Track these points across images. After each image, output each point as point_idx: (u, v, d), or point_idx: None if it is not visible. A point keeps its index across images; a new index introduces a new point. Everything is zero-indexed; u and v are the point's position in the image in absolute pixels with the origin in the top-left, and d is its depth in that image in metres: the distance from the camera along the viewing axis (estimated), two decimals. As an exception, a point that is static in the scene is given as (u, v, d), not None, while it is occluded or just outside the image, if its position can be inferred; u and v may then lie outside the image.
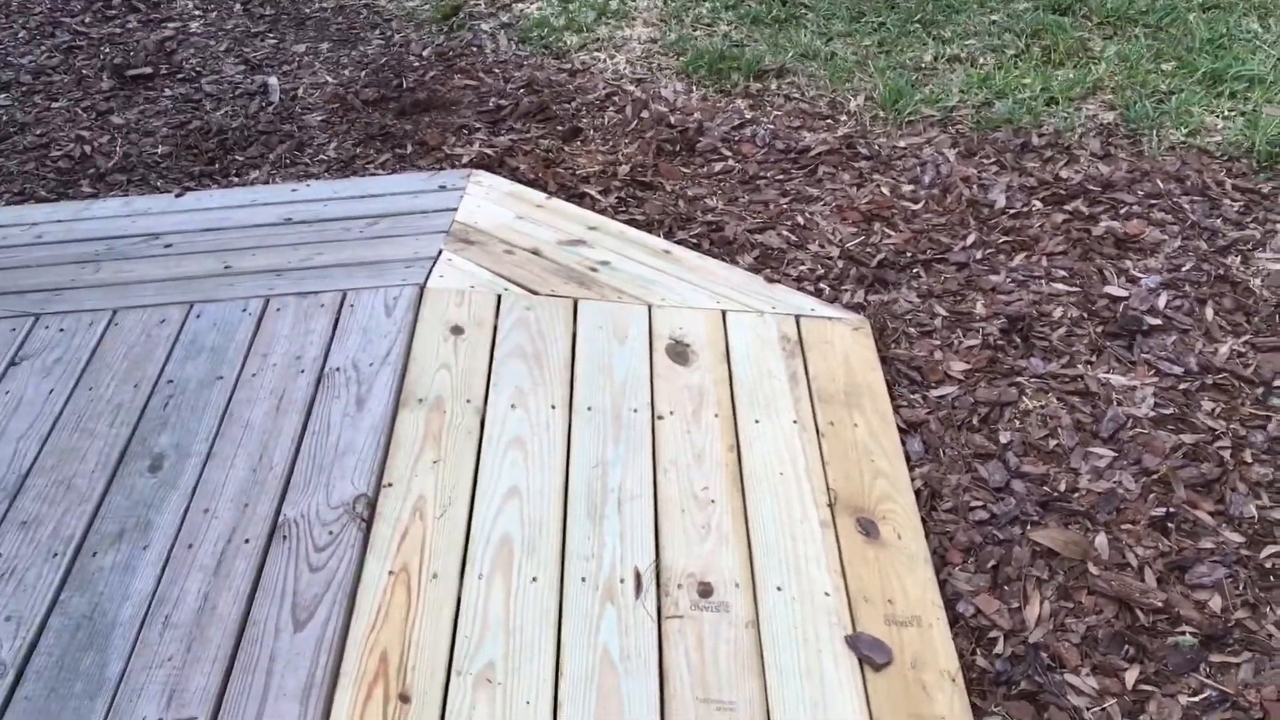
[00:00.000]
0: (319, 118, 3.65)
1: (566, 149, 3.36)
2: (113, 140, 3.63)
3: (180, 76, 3.98)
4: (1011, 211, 2.94)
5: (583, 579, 1.94)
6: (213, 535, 1.99)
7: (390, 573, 1.93)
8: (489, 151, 3.35)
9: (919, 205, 2.99)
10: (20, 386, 2.37)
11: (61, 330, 2.52)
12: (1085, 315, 2.58)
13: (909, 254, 2.81)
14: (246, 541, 1.98)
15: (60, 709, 1.73)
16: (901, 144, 3.25)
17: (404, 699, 1.73)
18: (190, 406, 2.28)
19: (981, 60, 3.64)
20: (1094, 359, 2.47)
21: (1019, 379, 2.42)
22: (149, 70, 4.01)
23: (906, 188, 3.06)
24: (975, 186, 3.04)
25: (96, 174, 3.46)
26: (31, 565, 1.97)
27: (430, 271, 2.66)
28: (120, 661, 1.79)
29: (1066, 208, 2.94)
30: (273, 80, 3.88)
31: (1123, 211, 2.92)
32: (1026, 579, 2.01)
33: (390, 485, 2.10)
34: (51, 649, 1.82)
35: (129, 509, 2.06)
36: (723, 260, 2.81)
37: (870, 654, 1.83)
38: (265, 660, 1.77)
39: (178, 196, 3.22)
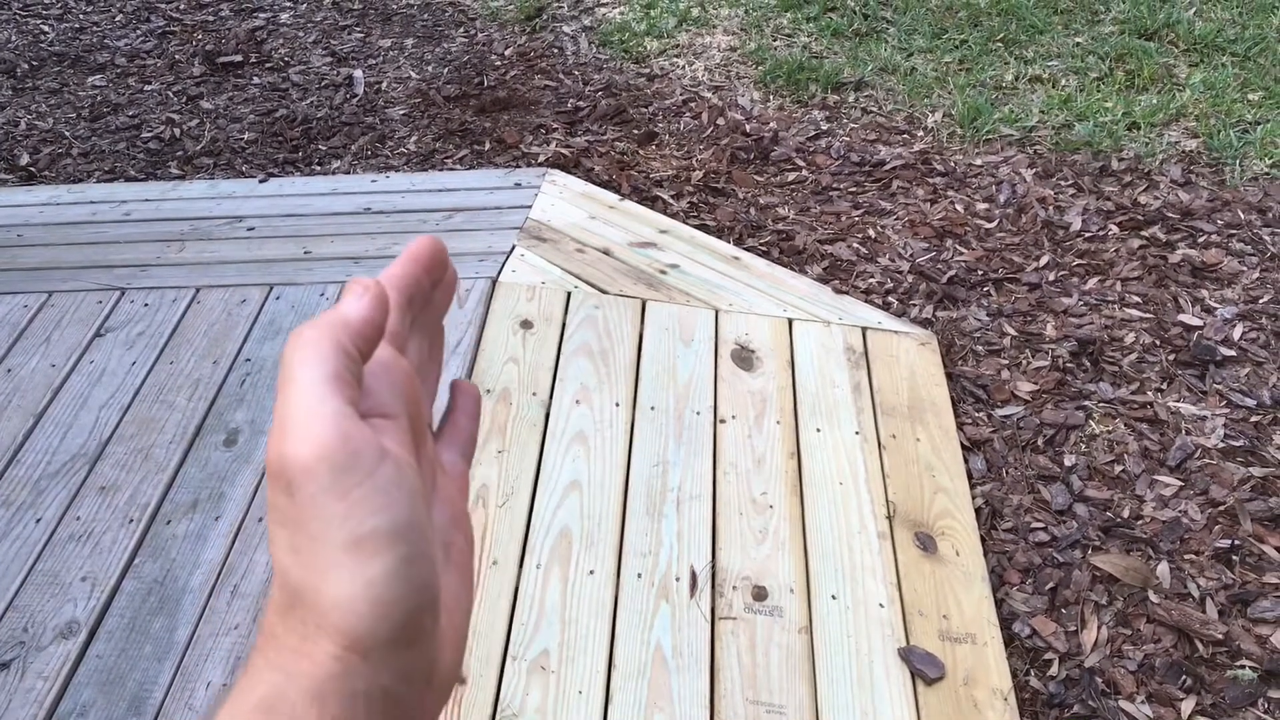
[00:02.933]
0: (401, 111, 3.72)
1: (641, 152, 3.39)
2: (201, 124, 3.73)
3: (269, 66, 4.08)
4: (1087, 235, 2.91)
5: (639, 575, 1.97)
6: (282, 510, 2.05)
7: (451, 557, 1.97)
8: (565, 152, 3.39)
9: (993, 224, 2.98)
10: (104, 357, 2.46)
11: (146, 305, 2.61)
12: (1158, 342, 2.55)
13: (980, 272, 2.80)
14: (314, 518, 2.02)
15: (129, 669, 1.79)
16: (978, 162, 3.24)
17: (460, 681, 1.77)
18: (266, 385, 2.34)
19: (1063, 82, 3.61)
20: (1164, 387, 2.44)
21: (1087, 403, 2.40)
22: (239, 58, 4.12)
23: (981, 205, 3.05)
24: (1051, 208, 3.02)
25: (184, 156, 3.56)
26: (108, 529, 2.04)
27: (503, 266, 2.70)
28: (189, 627, 1.85)
29: (1143, 234, 2.91)
30: (358, 73, 3.97)
31: (1201, 240, 2.88)
32: (1085, 603, 2.00)
33: (455, 472, 2.13)
34: (124, 611, 1.89)
35: (203, 480, 2.13)
36: (792, 269, 2.82)
37: (923, 668, 1.83)
38: (327, 634, 1.82)
39: (261, 182, 3.30)
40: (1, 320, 2.59)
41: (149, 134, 3.71)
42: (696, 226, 2.99)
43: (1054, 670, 1.90)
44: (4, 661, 1.81)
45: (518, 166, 3.36)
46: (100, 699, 1.74)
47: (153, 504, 2.08)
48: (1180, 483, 2.21)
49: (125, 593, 1.92)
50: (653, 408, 2.32)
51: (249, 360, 2.42)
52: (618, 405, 2.31)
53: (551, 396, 2.33)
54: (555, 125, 3.57)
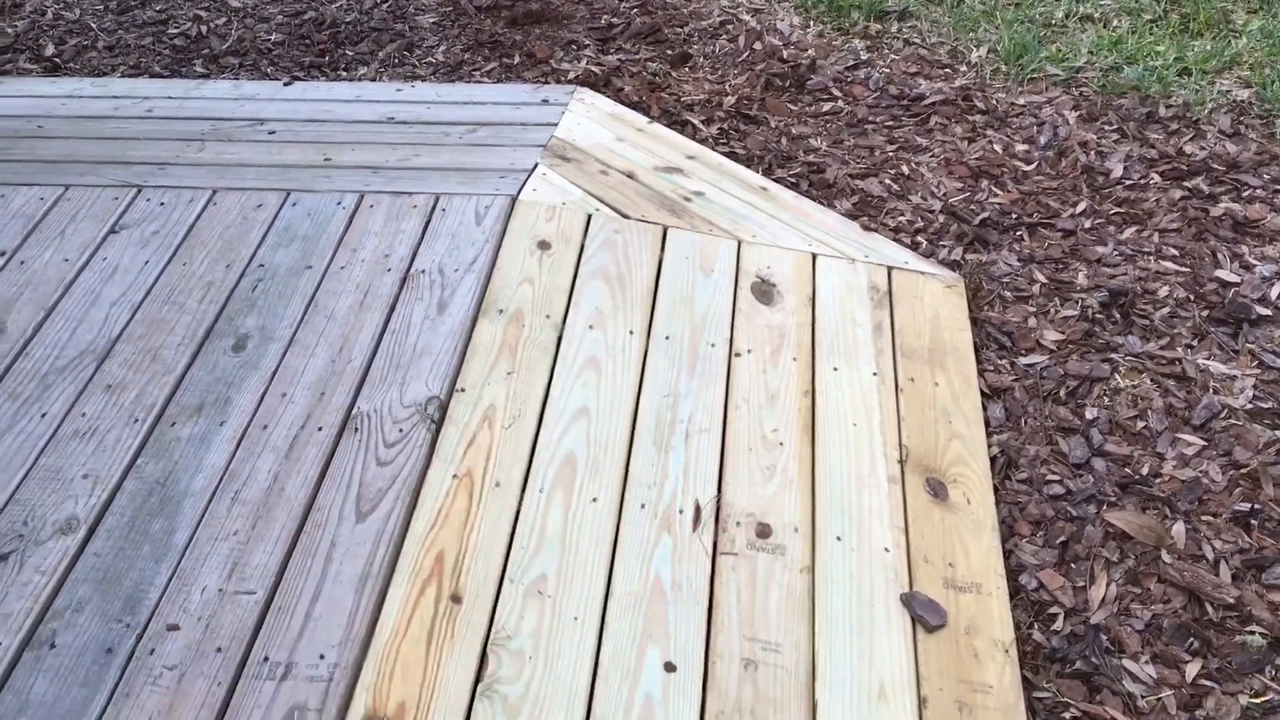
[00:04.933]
0: (431, 20, 3.63)
1: (674, 74, 3.30)
2: (228, 23, 3.66)
3: (299, -34, 3.99)
4: (1128, 182, 2.82)
5: (642, 505, 1.94)
6: (288, 419, 2.03)
7: (454, 476, 1.95)
8: (595, 70, 3.30)
9: (1031, 166, 2.88)
10: (117, 254, 2.43)
11: (162, 204, 2.57)
12: (1191, 297, 2.47)
13: (1014, 215, 2.71)
14: (319, 429, 2.01)
15: (126, 568, 1.78)
16: (1020, 101, 3.13)
17: (455, 599, 1.76)
18: (278, 292, 2.31)
19: (1115, 22, 3.47)
20: (1195, 343, 2.37)
21: (1113, 355, 2.34)
22: (269, -43, 4.02)
23: (1020, 147, 2.95)
24: (1093, 153, 2.92)
25: (210, 55, 3.50)
26: (113, 428, 2.03)
27: (524, 184, 2.64)
28: (187, 530, 1.84)
29: (1186, 184, 2.81)
30: (389, -22, 3.87)
31: (1245, 194, 2.78)
32: (1095, 559, 1.96)
33: (463, 391, 2.11)
34: (124, 510, 1.88)
35: (210, 385, 2.11)
36: (820, 203, 2.75)
37: (924, 614, 1.81)
38: (326, 546, 1.81)
39: (285, 85, 3.24)
40: (16, 212, 2.56)
41: (175, 30, 3.64)
42: (725, 154, 2.92)
43: (1058, 625, 1.87)
44: (2, 554, 1.81)
45: (547, 83, 3.28)
46: (96, 596, 1.74)
47: (158, 405, 2.07)
48: (1203, 442, 2.15)
49: (126, 492, 1.91)
50: (667, 337, 2.27)
51: (262, 266, 2.38)
52: (632, 333, 2.27)
53: (565, 320, 2.29)
54: (587, 42, 3.48)
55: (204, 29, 3.63)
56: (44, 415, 2.05)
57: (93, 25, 3.69)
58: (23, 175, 2.70)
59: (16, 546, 1.81)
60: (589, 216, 2.55)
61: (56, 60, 3.51)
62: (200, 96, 3.16)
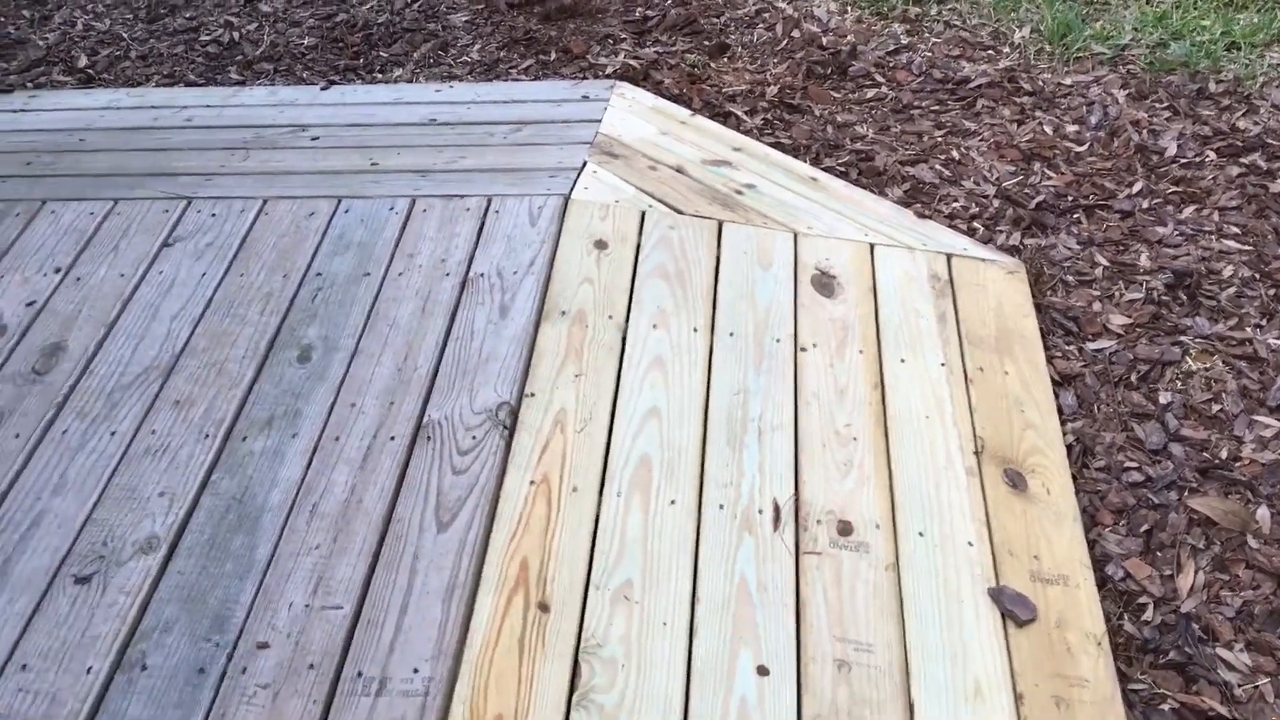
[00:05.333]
0: (463, 18, 3.61)
1: (713, 65, 3.27)
2: (260, 28, 3.64)
3: (326, -32, 3.96)
4: (1183, 161, 2.78)
5: (720, 506, 1.92)
6: (359, 429, 2.02)
7: (531, 482, 1.93)
8: (633, 63, 3.28)
9: (1083, 147, 2.85)
10: (173, 268, 2.42)
11: (213, 215, 2.56)
12: (1257, 276, 2.44)
13: (1070, 198, 2.68)
14: (392, 439, 2.00)
15: (210, 586, 1.77)
16: (1067, 81, 3.09)
17: (543, 608, 1.74)
18: (338, 301, 2.30)
19: (1158, -3, 3.43)
20: (1264, 323, 2.34)
21: (1182, 338, 2.31)
22: (296, -40, 4.00)
23: (1071, 128, 2.92)
24: (1145, 131, 2.88)
25: (244, 61, 3.48)
26: (184, 444, 2.02)
27: (575, 183, 2.62)
28: (269, 545, 1.83)
29: (1243, 160, 2.77)
30: (418, -23, 3.84)
31: (1303, 169, 2.74)
32: (1181, 546, 1.93)
33: (532, 395, 2.09)
34: (203, 527, 1.87)
35: (278, 397, 2.10)
36: (871, 191, 2.72)
37: (1014, 609, 1.79)
38: (409, 558, 1.80)
39: (323, 89, 3.22)
40: (68, 228, 2.55)
41: (207, 37, 3.63)
42: (771, 144, 2.89)
43: (1148, 615, 1.84)
44: (84, 575, 1.80)
45: (584, 78, 3.25)
46: (183, 616, 1.73)
47: (228, 419, 2.06)
48: (1281, 424, 2.13)
49: (204, 508, 1.90)
50: (731, 334, 2.25)
51: (320, 274, 2.37)
52: (695, 330, 2.25)
53: (628, 320, 2.27)
54: (623, 35, 3.45)
55: (236, 35, 3.62)
56: (113, 434, 2.04)
57: (124, 35, 3.68)
58: (71, 190, 2.70)
59: (98, 568, 1.81)
60: (643, 213, 2.53)
61: (90, 71, 3.50)
62: (238, 104, 3.14)
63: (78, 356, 2.21)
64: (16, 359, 2.22)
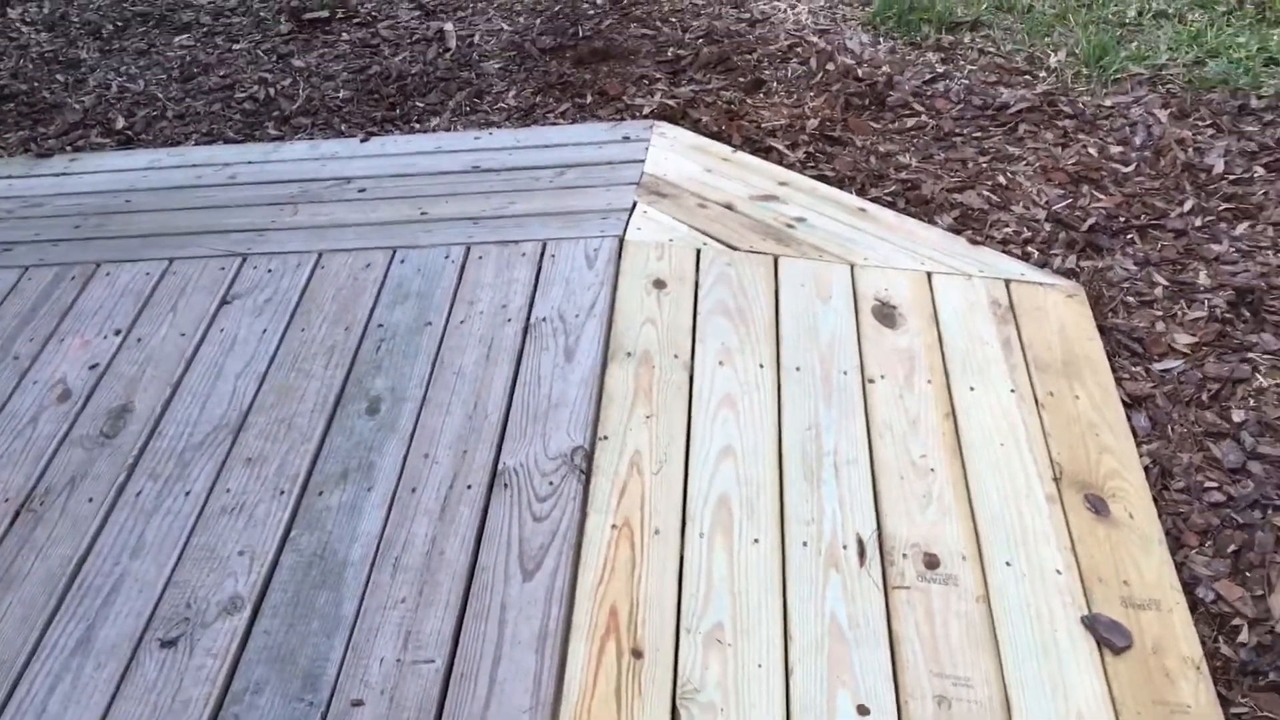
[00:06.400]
0: (497, 65, 3.63)
1: (750, 101, 3.29)
2: (294, 83, 3.67)
3: (356, 21, 4.00)
4: (1231, 177, 2.78)
5: (804, 543, 1.91)
6: (434, 480, 2.01)
7: (613, 526, 1.92)
8: (670, 103, 3.29)
9: (1130, 168, 2.85)
10: (234, 325, 2.42)
11: (270, 271, 2.57)
12: (1319, 290, 2.43)
13: (1122, 218, 2.68)
14: (469, 488, 1.99)
15: (299, 644, 1.76)
16: (1107, 103, 3.10)
17: (636, 654, 1.73)
18: (402, 351, 2.30)
19: (1190, 17, 3.44)
20: (1331, 337, 2.32)
21: (1250, 355, 2.29)
22: (325, 14, 4.04)
23: (1115, 149, 2.92)
24: (1190, 149, 2.88)
25: (281, 116, 3.51)
26: (260, 501, 2.01)
27: (627, 223, 2.63)
28: (354, 601, 1.82)
29: (1291, 175, 2.77)
30: (448, 26, 3.88)
31: (1353, 180, 2.74)
32: (1271, 566, 1.91)
33: (605, 439, 2.08)
34: (285, 585, 1.86)
35: (350, 450, 2.09)
36: (921, 220, 2.72)
37: (1109, 636, 1.76)
38: (497, 608, 1.78)
39: (363, 141, 3.24)
40: (125, 289, 2.56)
41: (243, 94, 3.66)
42: (815, 177, 2.90)
43: (1244, 637, 1.82)
44: (170, 639, 1.79)
45: (622, 119, 3.27)
46: (273, 676, 1.71)
47: (301, 475, 2.05)
48: (1359, 438, 2.11)
49: (285, 566, 1.89)
50: (798, 368, 2.24)
51: (381, 326, 2.37)
52: (762, 366, 2.24)
53: (693, 358, 2.26)
54: (658, 75, 3.47)
55: (271, 91, 3.64)
56: (188, 494, 2.04)
57: (159, 95, 3.71)
58: (124, 251, 2.71)
59: (184, 630, 1.80)
60: (698, 251, 2.53)
61: (129, 133, 3.52)
62: (280, 159, 3.16)
63: (145, 418, 2.21)
64: (84, 422, 2.22)
